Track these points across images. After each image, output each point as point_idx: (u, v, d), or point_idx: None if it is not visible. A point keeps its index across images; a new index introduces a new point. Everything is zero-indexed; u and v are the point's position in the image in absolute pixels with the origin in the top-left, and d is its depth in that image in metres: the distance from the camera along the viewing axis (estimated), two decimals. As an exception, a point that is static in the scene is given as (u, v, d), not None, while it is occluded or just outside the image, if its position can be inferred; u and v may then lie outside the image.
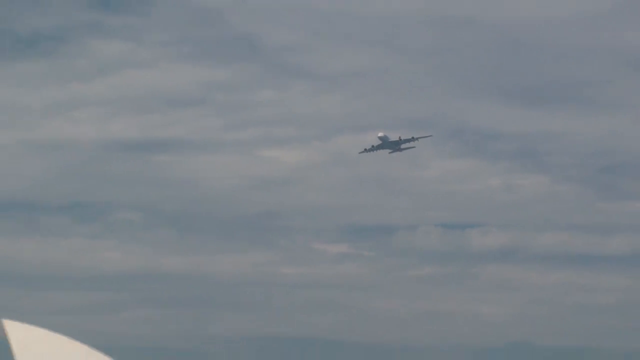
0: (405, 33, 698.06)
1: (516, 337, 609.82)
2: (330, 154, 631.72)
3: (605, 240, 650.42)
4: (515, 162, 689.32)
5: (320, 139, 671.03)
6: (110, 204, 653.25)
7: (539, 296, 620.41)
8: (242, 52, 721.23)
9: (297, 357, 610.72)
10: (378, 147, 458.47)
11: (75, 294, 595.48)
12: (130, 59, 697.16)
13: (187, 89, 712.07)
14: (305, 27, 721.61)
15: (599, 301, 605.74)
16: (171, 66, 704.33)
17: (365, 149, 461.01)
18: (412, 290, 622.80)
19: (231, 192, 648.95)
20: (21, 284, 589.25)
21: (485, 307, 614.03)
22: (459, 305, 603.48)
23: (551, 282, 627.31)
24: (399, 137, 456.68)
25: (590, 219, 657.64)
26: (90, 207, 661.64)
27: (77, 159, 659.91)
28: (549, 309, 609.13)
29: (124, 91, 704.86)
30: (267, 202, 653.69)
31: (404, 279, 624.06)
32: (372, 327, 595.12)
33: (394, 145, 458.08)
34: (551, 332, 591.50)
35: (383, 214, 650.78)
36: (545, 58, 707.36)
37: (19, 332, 59.76)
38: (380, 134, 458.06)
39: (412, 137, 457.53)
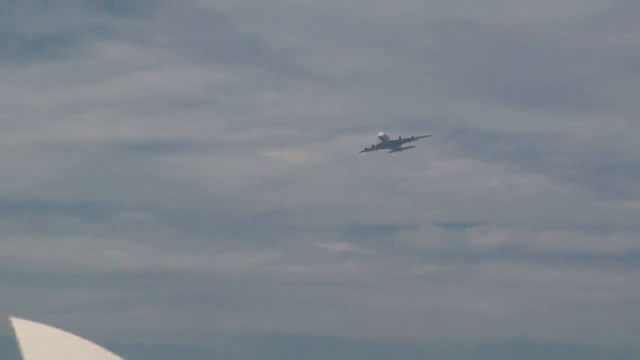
0: (405, 35, 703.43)
1: (516, 334, 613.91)
2: (332, 155, 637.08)
3: (603, 238, 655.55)
4: (514, 162, 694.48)
5: (322, 140, 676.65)
6: (118, 204, 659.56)
7: (538, 293, 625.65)
8: (245, 54, 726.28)
9: (300, 353, 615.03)
10: (378, 147, 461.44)
11: (83, 292, 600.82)
12: (136, 61, 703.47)
13: (192, 91, 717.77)
14: (307, 30, 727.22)
15: (597, 298, 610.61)
16: (176, 68, 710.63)
17: (366, 148, 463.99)
18: (413, 288, 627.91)
19: (235, 192, 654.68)
20: (30, 282, 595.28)
21: (485, 304, 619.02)
22: (459, 302, 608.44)
23: (550, 280, 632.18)
24: (399, 137, 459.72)
25: (588, 218, 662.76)
26: (97, 207, 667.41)
27: (85, 160, 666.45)
28: (547, 306, 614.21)
29: (131, 93, 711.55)
30: (270, 202, 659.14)
31: (405, 277, 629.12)
32: (373, 324, 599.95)
33: (394, 145, 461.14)
34: (550, 328, 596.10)
35: (384, 214, 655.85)
36: (544, 60, 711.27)
37: (27, 330, 61.32)
38: (381, 134, 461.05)
39: (412, 137, 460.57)
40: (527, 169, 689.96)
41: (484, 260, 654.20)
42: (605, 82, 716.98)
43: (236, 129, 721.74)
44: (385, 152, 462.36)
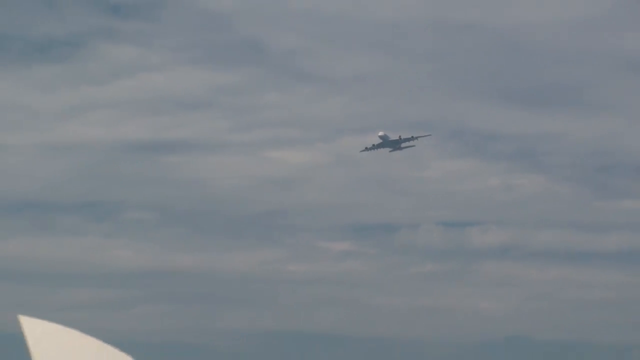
0: (406, 37, 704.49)
1: (515, 332, 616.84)
2: (333, 155, 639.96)
3: (602, 237, 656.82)
4: (514, 162, 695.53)
5: (324, 141, 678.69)
6: (123, 204, 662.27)
7: (538, 292, 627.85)
8: (249, 56, 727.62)
9: (301, 350, 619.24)
10: (379, 146, 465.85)
11: (88, 290, 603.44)
12: (141, 63, 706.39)
13: (196, 92, 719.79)
14: (308, 32, 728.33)
15: (596, 296, 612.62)
16: (180, 70, 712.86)
17: (366, 148, 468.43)
18: (414, 286, 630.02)
19: (238, 192, 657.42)
20: (36, 281, 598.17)
21: (485, 302, 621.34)
22: (459, 300, 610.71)
23: (549, 278, 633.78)
24: (399, 136, 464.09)
25: (588, 217, 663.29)
26: (103, 207, 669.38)
27: (90, 160, 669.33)
28: (547, 304, 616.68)
29: (135, 94, 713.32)
30: (273, 202, 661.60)
31: (406, 276, 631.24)
32: (374, 322, 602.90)
33: (394, 144, 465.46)
34: (549, 326, 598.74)
35: (385, 213, 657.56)
36: (544, 61, 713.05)
37: (34, 328, 62.76)
38: (381, 133, 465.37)
39: (412, 137, 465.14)
40: (526, 169, 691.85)
41: (484, 259, 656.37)
42: (604, 83, 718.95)
43: (239, 129, 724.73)
44: (385, 152, 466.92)
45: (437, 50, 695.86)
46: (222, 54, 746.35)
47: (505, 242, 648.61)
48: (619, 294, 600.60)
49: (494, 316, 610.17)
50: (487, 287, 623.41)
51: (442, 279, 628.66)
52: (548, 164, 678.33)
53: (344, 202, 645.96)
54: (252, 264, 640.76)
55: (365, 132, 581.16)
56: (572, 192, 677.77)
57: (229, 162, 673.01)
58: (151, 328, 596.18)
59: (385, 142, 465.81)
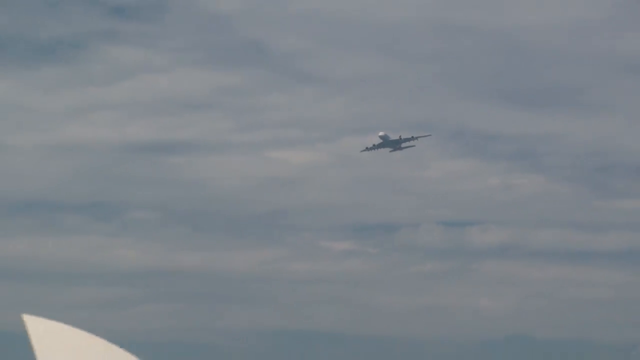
0: (406, 39, 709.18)
1: (515, 330, 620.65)
2: (334, 155, 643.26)
3: (601, 236, 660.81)
4: (513, 162, 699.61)
5: (325, 141, 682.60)
6: (127, 204, 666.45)
7: (537, 291, 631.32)
8: (251, 57, 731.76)
9: (303, 348, 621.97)
10: (379, 146, 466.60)
11: (93, 289, 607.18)
12: (145, 64, 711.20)
13: (199, 93, 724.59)
14: (311, 34, 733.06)
15: (596, 295, 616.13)
16: (184, 71, 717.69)
17: (367, 148, 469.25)
18: (415, 285, 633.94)
19: (241, 192, 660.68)
20: (39, 281, 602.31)
21: (485, 301, 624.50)
22: (459, 299, 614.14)
23: (549, 277, 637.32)
24: (399, 136, 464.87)
25: (587, 217, 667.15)
26: (107, 207, 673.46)
27: (95, 161, 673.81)
28: (547, 303, 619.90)
29: (139, 95, 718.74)
30: (275, 202, 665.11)
31: (407, 275, 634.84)
32: (375, 321, 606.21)
33: (395, 144, 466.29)
34: (549, 325, 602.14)
35: (386, 213, 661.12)
36: (543, 62, 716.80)
37: (38, 326, 63.71)
38: (381, 133, 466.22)
39: (412, 137, 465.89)
40: (526, 169, 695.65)
41: (484, 258, 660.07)
42: (603, 84, 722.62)
43: (240, 130, 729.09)
44: (386, 152, 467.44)
45: (437, 52, 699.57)
46: (224, 56, 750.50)
47: (505, 242, 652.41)
48: (618, 293, 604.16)
49: (494, 315, 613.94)
50: (487, 286, 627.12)
51: (443, 278, 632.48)
52: (548, 164, 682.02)
53: (345, 202, 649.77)
54: (253, 263, 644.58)
55: (365, 132, 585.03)
56: (572, 192, 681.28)
57: (231, 163, 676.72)
58: (155, 327, 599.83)
59: (386, 142, 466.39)
